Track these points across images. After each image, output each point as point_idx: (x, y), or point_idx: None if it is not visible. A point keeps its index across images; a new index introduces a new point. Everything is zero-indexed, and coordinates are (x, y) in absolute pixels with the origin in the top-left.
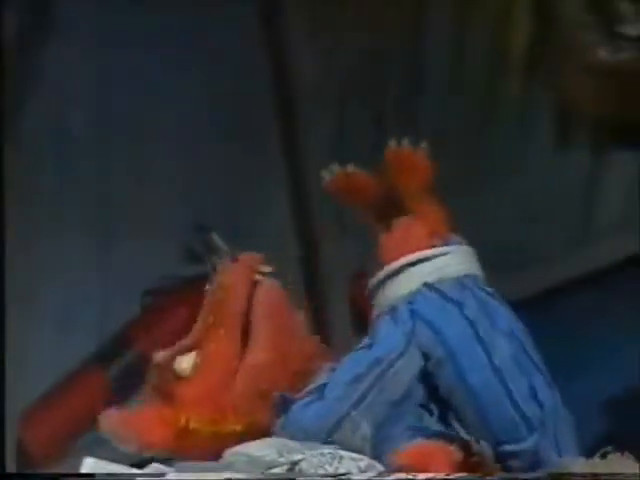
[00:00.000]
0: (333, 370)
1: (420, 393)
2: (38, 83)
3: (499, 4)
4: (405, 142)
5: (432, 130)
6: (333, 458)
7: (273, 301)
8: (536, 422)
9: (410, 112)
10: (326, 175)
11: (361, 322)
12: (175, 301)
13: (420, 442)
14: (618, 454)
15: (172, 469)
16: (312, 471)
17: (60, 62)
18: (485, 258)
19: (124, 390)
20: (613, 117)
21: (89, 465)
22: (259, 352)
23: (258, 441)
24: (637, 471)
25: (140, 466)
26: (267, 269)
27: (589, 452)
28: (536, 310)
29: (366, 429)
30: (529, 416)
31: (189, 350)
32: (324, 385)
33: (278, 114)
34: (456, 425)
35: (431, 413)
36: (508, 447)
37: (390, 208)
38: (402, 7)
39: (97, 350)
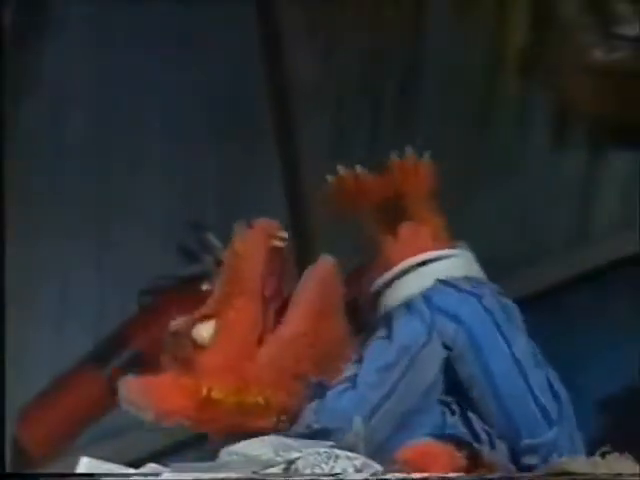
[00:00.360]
0: (359, 361)
1: (442, 386)
2: (37, 83)
3: (497, 4)
4: (409, 151)
5: (430, 130)
6: (329, 457)
7: (325, 278)
8: (554, 415)
9: (409, 112)
10: (332, 177)
11: (357, 319)
12: (172, 300)
13: (428, 441)
14: (617, 454)
15: (168, 469)
16: (308, 470)
17: (59, 62)
18: (483, 258)
19: None
20: (610, 117)
21: (85, 464)
22: (290, 325)
23: (255, 439)
24: (636, 471)
25: (136, 466)
26: (284, 234)
27: (588, 452)
28: (534, 309)
29: (359, 426)
30: (548, 409)
31: (207, 318)
32: (355, 375)
33: (276, 114)
34: (477, 425)
35: (453, 412)
36: (529, 441)
37: (394, 212)
38: (401, 7)
39: (94, 349)
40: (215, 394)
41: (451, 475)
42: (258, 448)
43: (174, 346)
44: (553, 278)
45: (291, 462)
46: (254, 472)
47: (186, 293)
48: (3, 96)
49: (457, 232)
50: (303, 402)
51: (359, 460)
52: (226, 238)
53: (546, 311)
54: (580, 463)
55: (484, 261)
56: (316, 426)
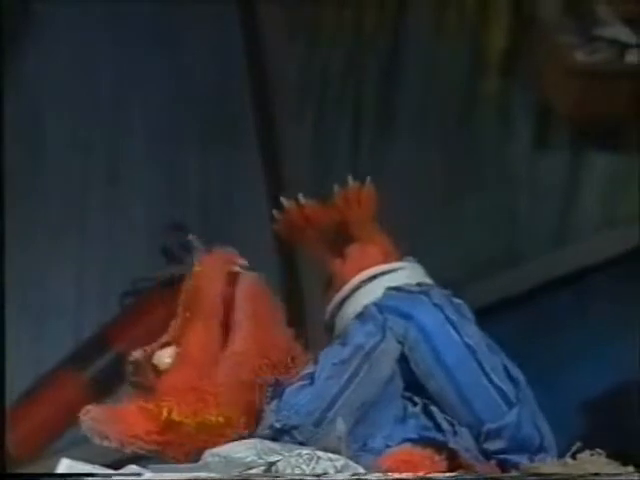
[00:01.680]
0: (315, 362)
1: (401, 380)
2: (31, 83)
3: (480, 6)
4: (350, 181)
5: (412, 131)
6: (310, 459)
7: (254, 292)
8: (513, 397)
9: (390, 112)
10: (277, 212)
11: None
12: (153, 302)
13: (408, 447)
14: (589, 452)
15: (148, 470)
16: (289, 471)
17: (42, 61)
18: (465, 259)
19: (102, 390)
20: (592, 118)
21: (65, 466)
22: (239, 342)
23: (237, 442)
24: (612, 470)
25: (116, 467)
26: (242, 262)
27: (568, 450)
28: (517, 310)
29: (342, 429)
30: (505, 391)
31: (167, 345)
32: (312, 372)
33: (258, 114)
34: (438, 415)
35: (414, 403)
36: (491, 425)
37: (341, 237)
38: (383, 8)
39: (75, 351)
40: (175, 416)
41: (430, 475)
42: (241, 451)
43: (135, 374)
44: (536, 279)
45: (272, 464)
46: (235, 474)
47: (168, 294)
48: (3, 96)
49: (439, 233)
50: (262, 405)
51: (340, 461)
52: (206, 241)
53: (529, 312)
54: (553, 464)
55: (466, 263)
56: (277, 425)
